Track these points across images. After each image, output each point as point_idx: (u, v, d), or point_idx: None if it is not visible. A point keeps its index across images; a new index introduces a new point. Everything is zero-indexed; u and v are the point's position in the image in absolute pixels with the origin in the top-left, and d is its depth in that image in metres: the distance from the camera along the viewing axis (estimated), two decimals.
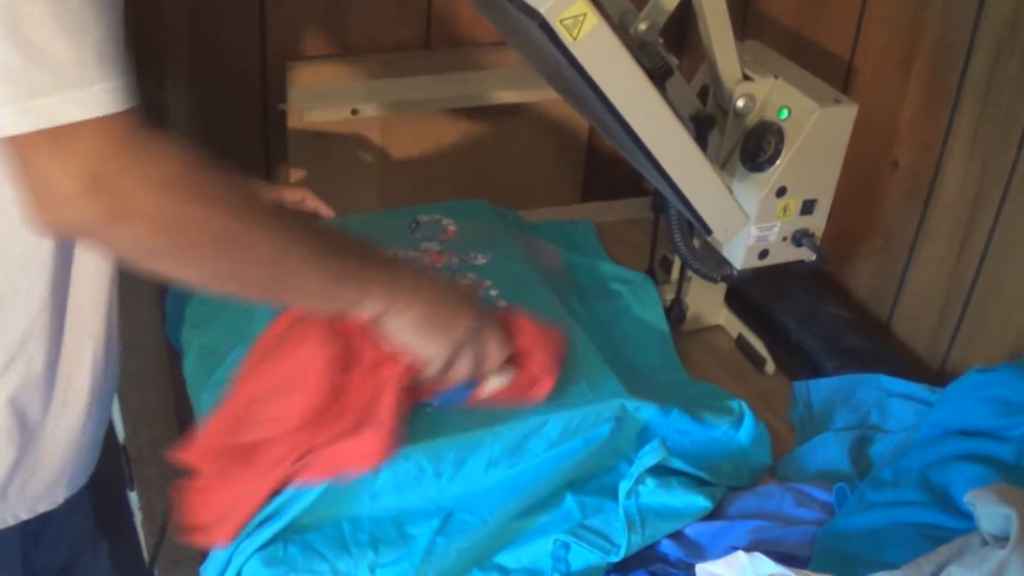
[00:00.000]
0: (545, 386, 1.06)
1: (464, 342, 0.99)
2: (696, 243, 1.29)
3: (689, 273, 1.36)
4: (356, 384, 0.97)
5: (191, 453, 0.99)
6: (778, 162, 1.20)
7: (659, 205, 1.36)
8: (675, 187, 1.07)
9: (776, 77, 1.22)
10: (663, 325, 1.36)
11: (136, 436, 1.71)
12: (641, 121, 1.02)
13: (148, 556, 1.56)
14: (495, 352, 1.02)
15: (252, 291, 0.89)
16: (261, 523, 0.99)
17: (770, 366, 1.35)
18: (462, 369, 1.00)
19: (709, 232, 1.14)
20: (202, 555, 1.04)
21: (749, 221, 1.17)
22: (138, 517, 1.74)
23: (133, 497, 1.74)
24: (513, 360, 1.05)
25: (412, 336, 0.96)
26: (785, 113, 1.20)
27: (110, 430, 1.60)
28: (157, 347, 1.54)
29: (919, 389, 1.24)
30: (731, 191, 1.14)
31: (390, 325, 0.95)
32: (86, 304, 1.00)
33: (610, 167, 1.87)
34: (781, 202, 1.23)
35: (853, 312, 1.45)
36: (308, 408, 0.96)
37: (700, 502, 1.07)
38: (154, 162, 0.77)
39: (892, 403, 1.25)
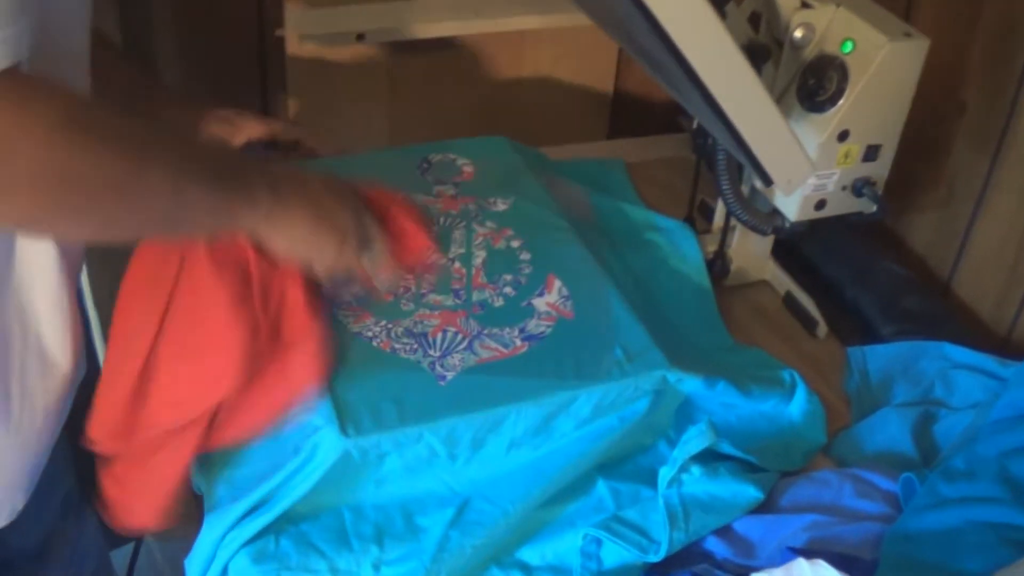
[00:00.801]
0: (421, 237, 0.96)
1: (348, 230, 0.90)
2: (744, 190, 1.16)
3: (734, 222, 1.22)
4: (262, 313, 0.88)
5: (95, 432, 0.89)
6: (841, 102, 1.08)
7: (701, 146, 1.23)
8: (734, 131, 0.94)
9: (838, 5, 1.10)
10: (704, 280, 1.23)
11: None
12: (698, 50, 0.88)
13: None
14: (375, 230, 0.93)
15: (148, 230, 0.84)
16: (249, 512, 0.87)
17: (822, 329, 1.22)
18: (352, 259, 0.91)
19: (769, 183, 1.01)
20: (199, 519, 0.95)
21: (814, 171, 1.03)
22: None
23: None
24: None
25: (302, 237, 0.87)
26: (849, 46, 1.08)
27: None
28: None
29: (988, 361, 1.14)
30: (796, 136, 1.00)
31: (278, 230, 0.86)
32: (39, 299, 0.88)
33: (641, 100, 1.75)
34: (843, 147, 1.11)
35: (910, 269, 1.32)
36: (232, 370, 0.86)
37: (750, 492, 0.95)
38: (36, 116, 0.67)
39: (957, 375, 1.14)
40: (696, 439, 0.93)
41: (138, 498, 0.90)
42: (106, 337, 1.51)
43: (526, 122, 1.63)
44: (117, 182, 0.72)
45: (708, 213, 1.35)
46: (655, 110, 1.71)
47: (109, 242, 0.79)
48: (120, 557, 1.36)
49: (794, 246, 1.33)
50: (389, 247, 0.94)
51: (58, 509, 1.07)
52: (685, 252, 1.25)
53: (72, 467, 1.09)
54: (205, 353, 0.87)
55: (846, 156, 1.11)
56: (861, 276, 1.29)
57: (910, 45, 1.07)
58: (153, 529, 0.91)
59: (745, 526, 0.94)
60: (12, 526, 0.98)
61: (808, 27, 1.09)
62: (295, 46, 1.49)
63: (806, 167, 1.00)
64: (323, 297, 0.93)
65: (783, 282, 1.28)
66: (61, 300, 0.90)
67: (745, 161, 0.99)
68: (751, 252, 1.28)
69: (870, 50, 1.06)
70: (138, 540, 1.42)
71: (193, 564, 0.90)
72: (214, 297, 0.86)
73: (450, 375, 0.94)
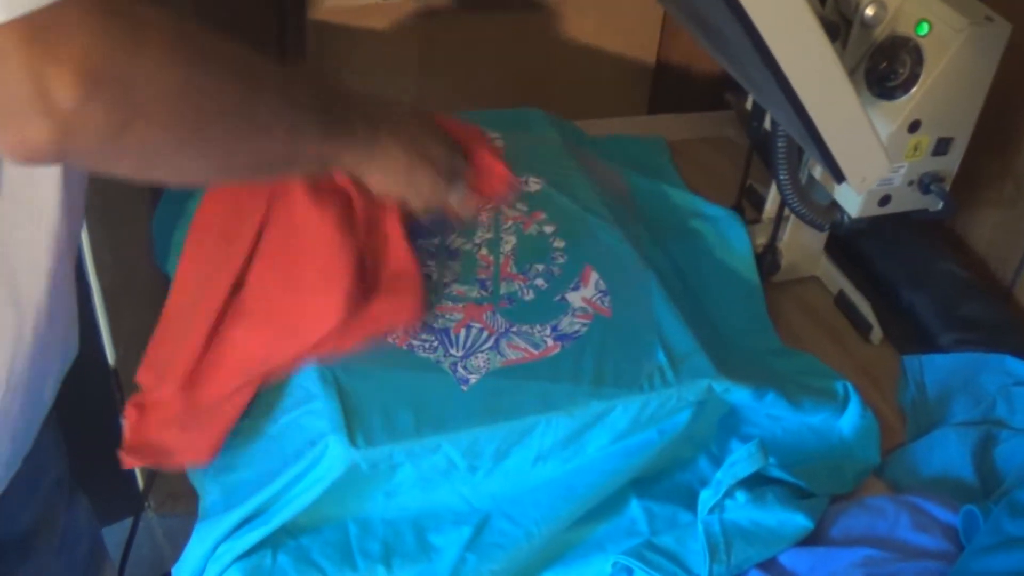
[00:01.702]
0: (500, 168, 0.93)
1: (441, 165, 0.88)
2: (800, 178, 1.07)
3: (787, 212, 1.12)
4: (367, 247, 0.88)
5: (146, 379, 0.88)
6: (914, 89, 0.99)
7: (756, 128, 1.13)
8: (806, 118, 0.83)
9: None
10: (753, 275, 1.13)
11: (129, 360, 1.53)
12: (772, 21, 0.78)
13: (142, 487, 1.43)
14: (462, 164, 0.91)
15: (259, 166, 0.78)
16: (245, 521, 0.79)
17: (877, 334, 1.13)
18: (445, 193, 0.89)
19: (842, 179, 0.91)
20: None
21: (890, 168, 0.93)
22: None
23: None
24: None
25: (400, 172, 0.85)
26: (925, 28, 0.99)
27: (99, 352, 1.44)
28: (151, 262, 1.35)
29: None
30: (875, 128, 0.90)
31: (377, 165, 0.84)
32: (21, 269, 0.80)
33: (685, 73, 1.68)
34: (913, 139, 1.02)
35: (970, 271, 1.22)
36: (340, 303, 0.83)
37: (799, 521, 0.86)
38: (150, 36, 0.62)
39: (1021, 393, 1.05)
40: (744, 462, 0.84)
41: (199, 436, 0.86)
42: (110, 318, 1.45)
43: (561, 94, 1.56)
44: (234, 106, 0.69)
45: (758, 201, 1.25)
46: (700, 84, 1.64)
47: (220, 180, 0.82)
48: (119, 532, 1.31)
49: (848, 240, 1.24)
50: (472, 179, 0.93)
51: (47, 494, 1.03)
52: (733, 244, 1.15)
53: (62, 452, 1.04)
54: (310, 288, 0.85)
55: (915, 149, 1.02)
56: (918, 276, 1.20)
57: (991, 30, 0.98)
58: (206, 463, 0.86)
59: (792, 559, 0.85)
60: None
61: (880, 5, 1.00)
62: (316, 8, 1.43)
63: (883, 164, 0.90)
64: (414, 234, 0.92)
65: (836, 280, 1.19)
66: (54, 284, 0.84)
67: (814, 152, 0.89)
68: (803, 246, 1.18)
69: (948, 33, 0.98)
70: (136, 516, 1.36)
71: (183, 573, 0.81)
72: (318, 232, 0.84)
73: (473, 379, 0.85)
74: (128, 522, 1.32)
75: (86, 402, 1.12)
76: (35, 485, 0.98)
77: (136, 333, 1.53)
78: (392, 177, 0.85)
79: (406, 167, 0.85)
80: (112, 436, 1.58)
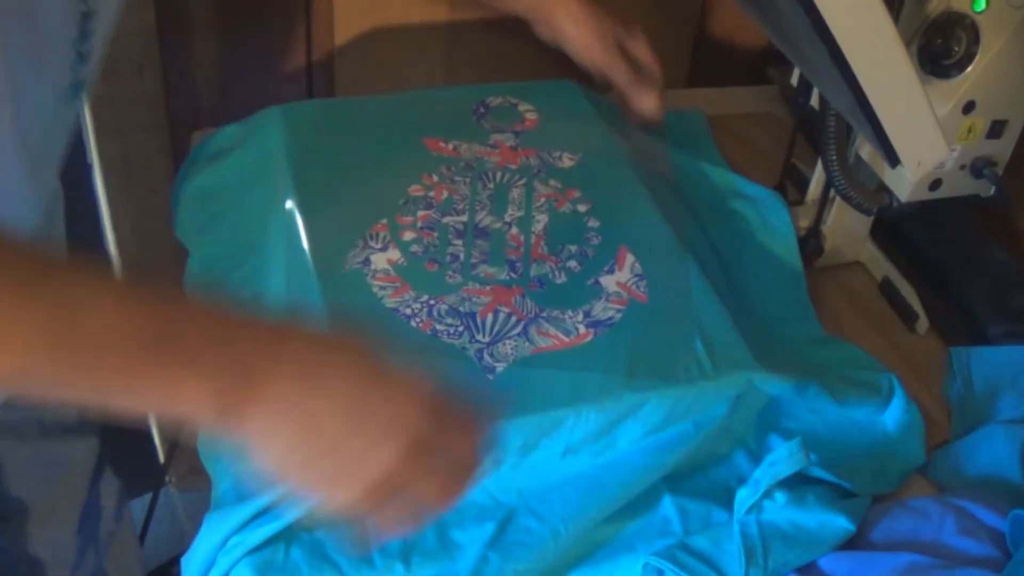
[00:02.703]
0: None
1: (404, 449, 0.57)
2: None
3: (832, 194, 1.07)
4: None
5: None
6: (969, 69, 0.94)
7: (802, 106, 1.08)
8: (863, 99, 0.78)
9: None
10: (796, 259, 1.08)
11: None
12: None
13: (163, 460, 1.45)
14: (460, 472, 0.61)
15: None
16: (257, 515, 0.75)
17: (923, 324, 1.08)
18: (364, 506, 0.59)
19: (896, 163, 0.86)
20: None
21: (949, 152, 0.88)
22: (152, 420, 1.58)
23: None
24: None
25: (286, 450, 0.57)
26: (982, 4, 0.94)
27: None
28: (171, 234, 1.32)
29: None
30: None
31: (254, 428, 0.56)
32: None
33: (726, 46, 1.60)
34: (967, 121, 0.97)
35: (1021, 259, 1.17)
36: None
37: (840, 523, 0.81)
38: None
39: None
40: (785, 461, 0.80)
41: None
42: None
43: None
44: None
45: (801, 182, 1.19)
46: (742, 57, 1.56)
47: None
48: (139, 507, 1.29)
49: (894, 225, 1.19)
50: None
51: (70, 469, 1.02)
52: (775, 226, 1.10)
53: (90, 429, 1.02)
54: None
55: (969, 131, 0.98)
56: (968, 264, 1.15)
57: None
58: None
59: (832, 564, 0.80)
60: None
61: None
62: None
63: (942, 148, 0.85)
64: None
65: (881, 266, 1.13)
66: None
67: (868, 133, 0.84)
68: (848, 230, 1.13)
69: (1006, 10, 0.93)
70: (156, 490, 1.34)
71: (190, 566, 0.78)
72: None
73: (500, 367, 0.81)
74: (148, 497, 1.30)
75: None
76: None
77: None
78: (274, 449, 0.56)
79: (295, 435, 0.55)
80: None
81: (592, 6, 1.07)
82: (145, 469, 1.43)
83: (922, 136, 0.85)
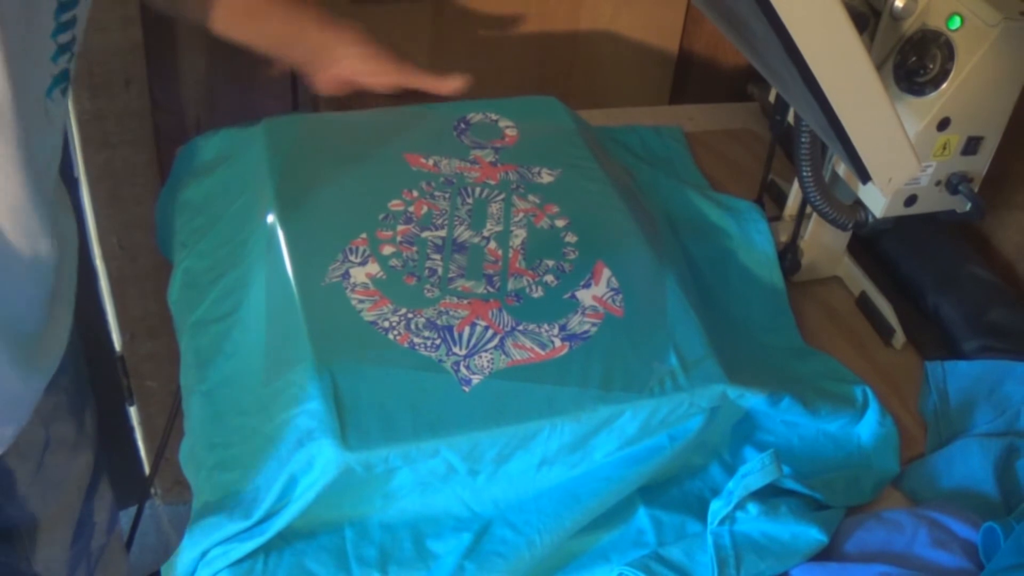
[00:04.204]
0: None
1: None
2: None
3: (808, 210, 1.09)
4: None
5: None
6: (944, 85, 0.96)
7: (779, 122, 1.10)
8: (832, 115, 0.79)
9: None
10: (776, 273, 1.09)
11: (135, 347, 1.51)
12: (798, 15, 0.74)
13: (148, 472, 1.47)
14: None
15: None
16: (243, 531, 0.76)
17: (899, 338, 1.09)
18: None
19: (867, 179, 0.87)
20: None
21: (920, 169, 0.89)
22: (138, 433, 1.58)
23: (133, 412, 1.58)
24: None
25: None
26: (957, 22, 0.96)
27: (105, 338, 1.43)
28: (157, 248, 1.33)
29: None
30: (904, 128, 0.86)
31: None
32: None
33: (708, 63, 1.63)
34: (942, 137, 0.98)
35: (997, 275, 1.18)
36: None
37: (813, 535, 0.82)
38: None
39: None
40: (757, 473, 0.81)
41: None
42: (116, 304, 1.43)
43: (581, 82, 1.53)
44: None
45: (779, 197, 1.21)
46: (724, 75, 1.59)
47: None
48: (125, 519, 1.30)
49: (871, 240, 1.20)
50: None
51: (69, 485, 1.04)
52: (754, 240, 1.11)
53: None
54: None
55: (944, 148, 0.99)
56: (944, 280, 1.15)
57: None
58: None
59: (804, 575, 0.81)
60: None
61: None
62: None
63: (912, 165, 0.86)
64: None
65: (858, 281, 1.15)
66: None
67: (839, 151, 0.85)
68: (825, 245, 1.14)
69: (981, 28, 0.94)
70: (141, 502, 1.34)
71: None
72: None
73: (476, 379, 0.82)
74: (133, 509, 1.31)
75: (93, 388, 1.09)
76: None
77: (142, 319, 1.51)
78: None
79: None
80: (119, 422, 1.57)
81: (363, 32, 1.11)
82: (131, 481, 1.44)
83: (893, 153, 0.85)
